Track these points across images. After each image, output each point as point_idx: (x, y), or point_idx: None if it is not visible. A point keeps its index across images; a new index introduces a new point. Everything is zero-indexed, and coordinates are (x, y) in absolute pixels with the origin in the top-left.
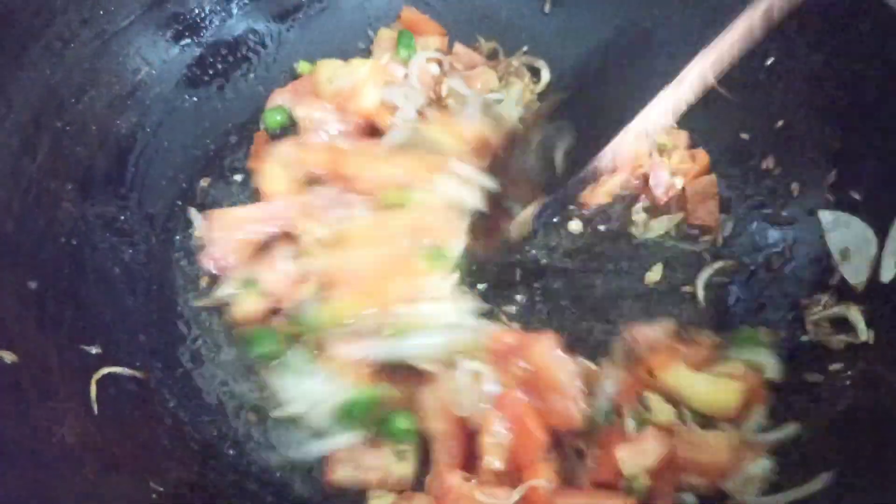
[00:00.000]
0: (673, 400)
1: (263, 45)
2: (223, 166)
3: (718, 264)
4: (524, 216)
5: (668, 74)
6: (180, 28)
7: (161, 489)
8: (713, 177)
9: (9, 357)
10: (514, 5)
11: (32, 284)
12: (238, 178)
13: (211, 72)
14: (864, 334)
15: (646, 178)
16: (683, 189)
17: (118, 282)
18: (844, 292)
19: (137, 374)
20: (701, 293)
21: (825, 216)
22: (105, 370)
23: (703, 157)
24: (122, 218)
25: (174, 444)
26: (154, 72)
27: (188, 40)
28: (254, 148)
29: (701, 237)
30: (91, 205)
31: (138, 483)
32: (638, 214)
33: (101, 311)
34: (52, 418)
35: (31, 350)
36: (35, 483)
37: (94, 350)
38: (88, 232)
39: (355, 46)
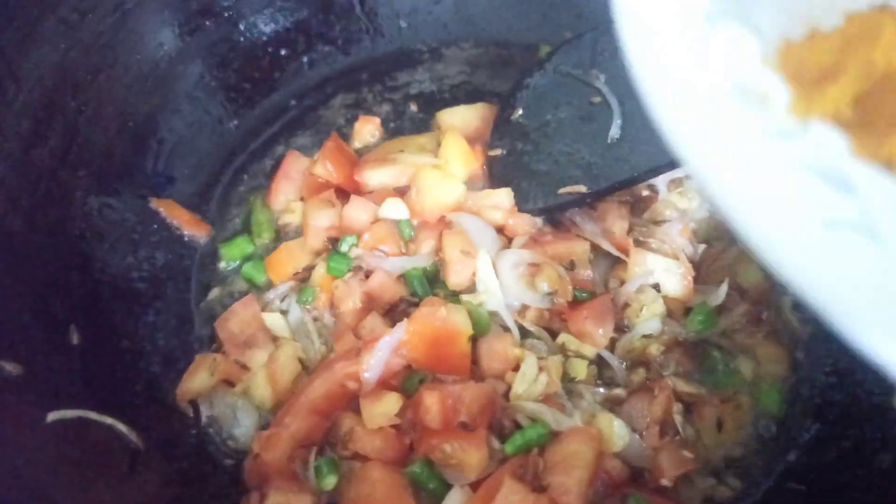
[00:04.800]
0: None
1: (292, 22)
2: (254, 151)
3: None
4: None
5: None
6: (205, 0)
7: None
8: None
9: (14, 369)
10: None
11: (42, 287)
12: (268, 162)
13: (238, 49)
14: None
15: None
16: None
17: (137, 282)
18: None
19: (131, 436)
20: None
21: None
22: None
23: None
24: (142, 210)
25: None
26: (176, 49)
27: (217, 13)
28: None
29: None
30: (108, 195)
31: None
32: None
33: (118, 314)
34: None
35: (40, 360)
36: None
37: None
38: (105, 226)
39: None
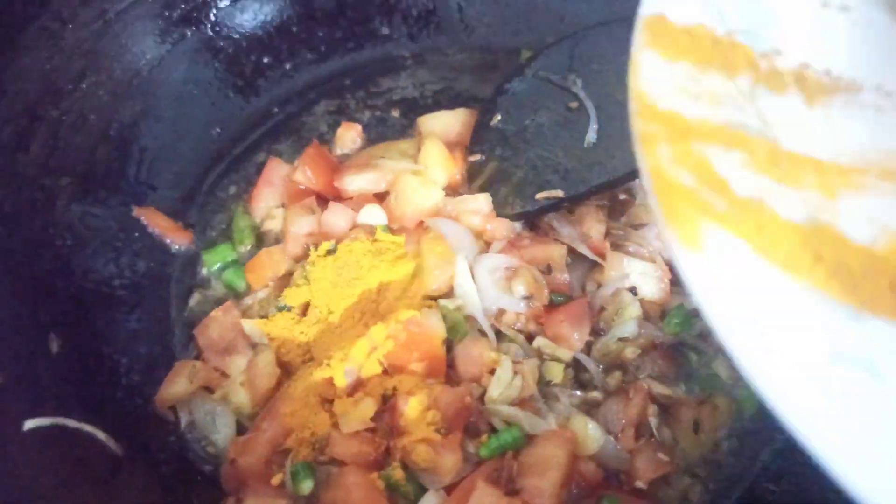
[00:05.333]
0: None
1: (274, 29)
2: (237, 158)
3: None
4: None
5: None
6: (188, 9)
7: None
8: None
9: None
10: None
11: (23, 293)
12: (250, 169)
13: (221, 56)
14: None
15: None
16: None
17: (118, 289)
18: None
19: (110, 443)
20: None
21: None
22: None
23: None
24: (124, 218)
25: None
26: (161, 56)
27: (199, 22)
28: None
29: None
30: (90, 202)
31: None
32: None
33: (99, 321)
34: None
35: (19, 368)
36: None
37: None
38: (87, 233)
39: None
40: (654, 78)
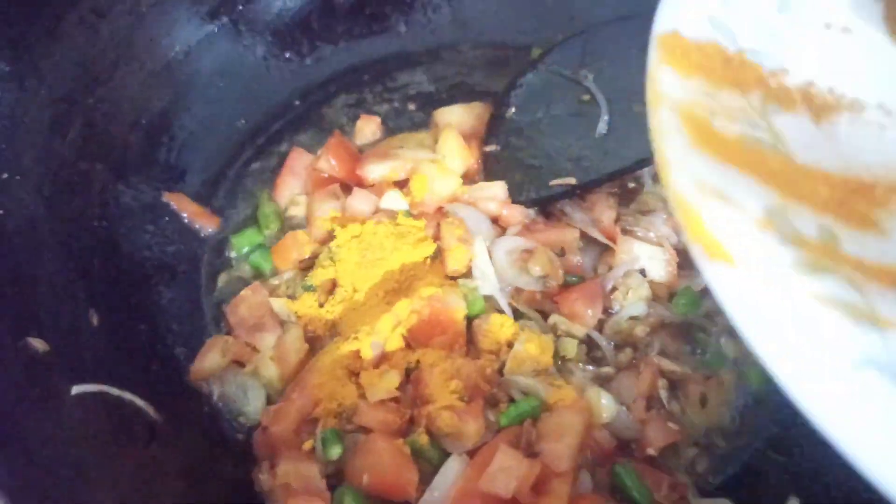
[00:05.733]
0: None
1: (299, 24)
2: (261, 147)
3: None
4: None
5: None
6: (216, 3)
7: None
8: None
9: (40, 346)
10: None
11: (64, 271)
12: (274, 158)
13: (250, 50)
14: None
15: None
16: None
17: (150, 269)
18: None
19: (149, 410)
20: None
21: None
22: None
23: None
24: (155, 202)
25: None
26: (190, 48)
27: (226, 16)
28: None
29: None
30: (124, 186)
31: None
32: None
33: (134, 298)
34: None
35: (63, 339)
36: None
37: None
38: (121, 215)
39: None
40: (671, 93)
